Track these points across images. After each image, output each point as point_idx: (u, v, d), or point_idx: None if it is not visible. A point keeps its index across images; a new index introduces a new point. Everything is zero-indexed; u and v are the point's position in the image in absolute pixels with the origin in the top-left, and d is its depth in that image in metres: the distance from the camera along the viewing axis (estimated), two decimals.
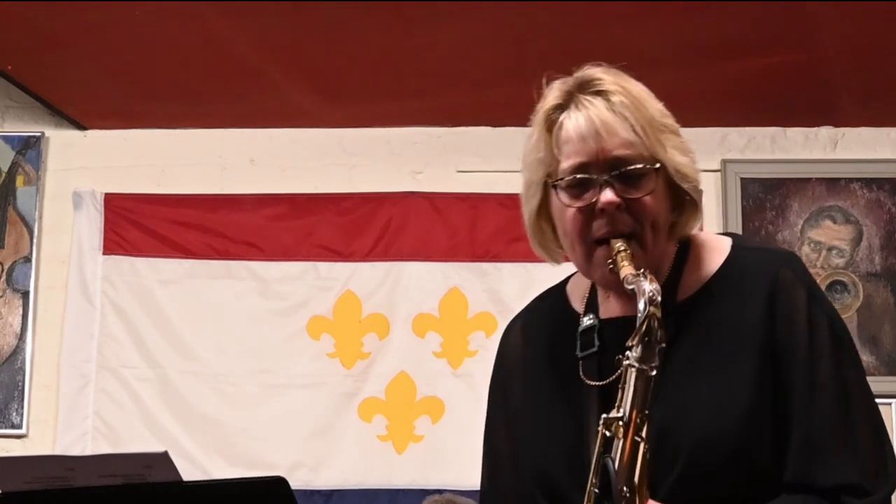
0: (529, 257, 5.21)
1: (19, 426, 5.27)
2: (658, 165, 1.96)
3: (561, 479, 1.98)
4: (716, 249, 2.05)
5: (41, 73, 4.95)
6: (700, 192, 2.03)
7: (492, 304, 5.22)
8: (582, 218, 1.97)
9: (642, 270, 1.89)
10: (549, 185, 2.01)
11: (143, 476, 2.00)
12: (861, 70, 4.69)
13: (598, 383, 1.97)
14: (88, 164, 5.45)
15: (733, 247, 2.05)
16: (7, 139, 5.45)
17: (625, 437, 1.83)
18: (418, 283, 5.26)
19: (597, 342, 2.01)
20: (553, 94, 2.02)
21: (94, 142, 5.48)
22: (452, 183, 5.33)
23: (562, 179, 1.98)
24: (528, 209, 2.07)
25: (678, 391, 1.93)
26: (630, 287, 1.88)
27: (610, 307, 2.05)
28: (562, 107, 2.00)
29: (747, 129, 5.28)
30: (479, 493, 2.16)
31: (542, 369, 2.07)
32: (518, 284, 5.20)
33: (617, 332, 1.97)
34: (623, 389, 1.85)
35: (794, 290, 1.97)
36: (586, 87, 2.00)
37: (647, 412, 1.84)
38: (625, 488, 1.82)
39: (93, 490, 2.00)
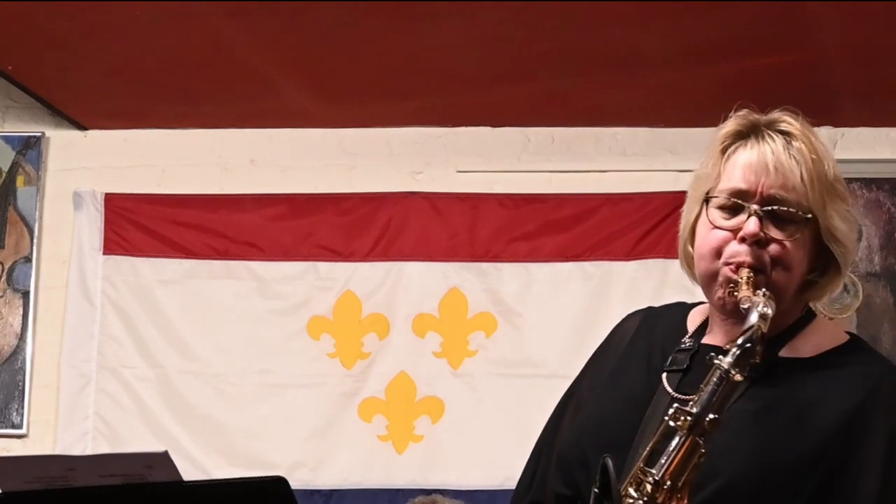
0: (529, 257, 5.27)
1: (19, 426, 5.27)
2: (810, 216, 2.02)
3: (591, 460, 2.00)
4: (833, 335, 2.10)
5: (41, 73, 4.95)
6: (847, 259, 2.08)
7: (492, 304, 5.21)
8: (721, 239, 2.03)
9: (763, 291, 1.96)
10: (704, 200, 2.07)
11: (144, 476, 2.00)
12: (861, 70, 4.68)
13: (674, 394, 2.01)
14: (88, 164, 5.44)
15: (848, 342, 2.09)
16: (7, 139, 5.45)
17: (688, 432, 1.85)
18: (418, 283, 5.26)
19: (687, 362, 2.06)
20: (738, 120, 2.09)
21: (94, 142, 5.48)
22: (452, 183, 5.33)
23: (716, 197, 2.05)
24: (683, 223, 2.13)
25: (734, 429, 1.95)
26: (745, 306, 1.94)
27: (713, 336, 2.10)
28: (742, 134, 2.07)
29: None
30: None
31: (635, 363, 2.13)
32: (518, 284, 5.20)
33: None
34: (704, 389, 1.87)
35: (888, 404, 2.00)
36: (772, 125, 2.07)
37: (717, 416, 1.86)
38: (668, 482, 1.85)
39: (93, 490, 2.00)
